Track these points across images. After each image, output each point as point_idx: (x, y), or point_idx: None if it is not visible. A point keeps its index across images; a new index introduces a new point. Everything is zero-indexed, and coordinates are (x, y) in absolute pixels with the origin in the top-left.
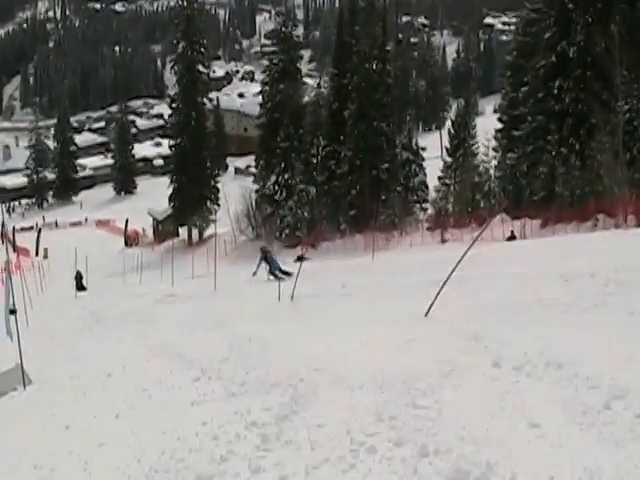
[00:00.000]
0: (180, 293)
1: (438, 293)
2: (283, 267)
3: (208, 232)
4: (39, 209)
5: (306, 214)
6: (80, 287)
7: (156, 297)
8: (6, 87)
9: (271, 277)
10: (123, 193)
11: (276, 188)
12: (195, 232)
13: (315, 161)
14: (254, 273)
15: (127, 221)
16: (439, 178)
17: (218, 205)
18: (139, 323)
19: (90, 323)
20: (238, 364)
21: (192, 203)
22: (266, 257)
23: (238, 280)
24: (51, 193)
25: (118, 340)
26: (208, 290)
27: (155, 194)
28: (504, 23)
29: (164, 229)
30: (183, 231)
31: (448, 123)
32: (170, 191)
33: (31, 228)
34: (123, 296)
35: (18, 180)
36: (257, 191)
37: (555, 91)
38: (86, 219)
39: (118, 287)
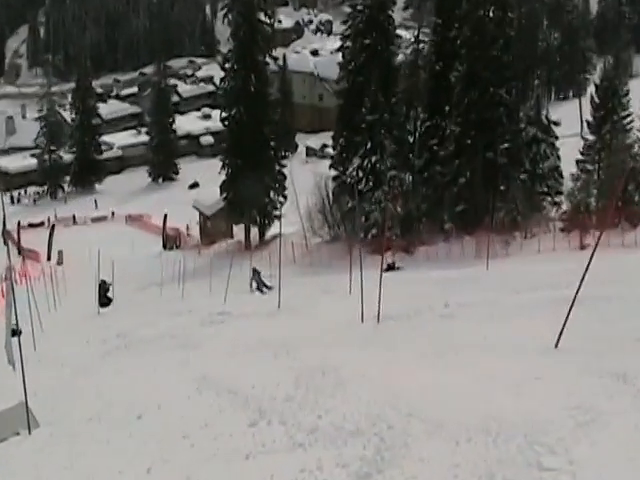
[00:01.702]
0: (234, 311)
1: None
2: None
3: (271, 232)
4: (52, 200)
5: (399, 209)
6: (104, 301)
7: (203, 315)
8: (9, 41)
9: (256, 292)
10: (161, 180)
11: (360, 175)
12: (254, 231)
13: (411, 140)
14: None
15: (165, 216)
16: (577, 163)
17: (285, 197)
18: (180, 349)
19: (116, 348)
20: (307, 405)
21: (251, 194)
22: (254, 275)
23: (309, 294)
24: (68, 179)
25: (152, 371)
26: (270, 307)
27: (203, 181)
28: None
29: (214, 227)
30: (239, 230)
31: (591, 89)
32: (222, 178)
33: (41, 224)
34: (160, 313)
35: (24, 162)
36: (335, 179)
37: None
38: (113, 213)
39: (154, 302)
